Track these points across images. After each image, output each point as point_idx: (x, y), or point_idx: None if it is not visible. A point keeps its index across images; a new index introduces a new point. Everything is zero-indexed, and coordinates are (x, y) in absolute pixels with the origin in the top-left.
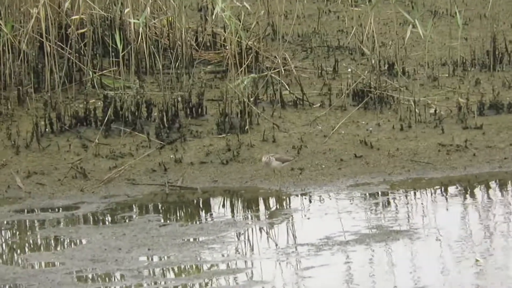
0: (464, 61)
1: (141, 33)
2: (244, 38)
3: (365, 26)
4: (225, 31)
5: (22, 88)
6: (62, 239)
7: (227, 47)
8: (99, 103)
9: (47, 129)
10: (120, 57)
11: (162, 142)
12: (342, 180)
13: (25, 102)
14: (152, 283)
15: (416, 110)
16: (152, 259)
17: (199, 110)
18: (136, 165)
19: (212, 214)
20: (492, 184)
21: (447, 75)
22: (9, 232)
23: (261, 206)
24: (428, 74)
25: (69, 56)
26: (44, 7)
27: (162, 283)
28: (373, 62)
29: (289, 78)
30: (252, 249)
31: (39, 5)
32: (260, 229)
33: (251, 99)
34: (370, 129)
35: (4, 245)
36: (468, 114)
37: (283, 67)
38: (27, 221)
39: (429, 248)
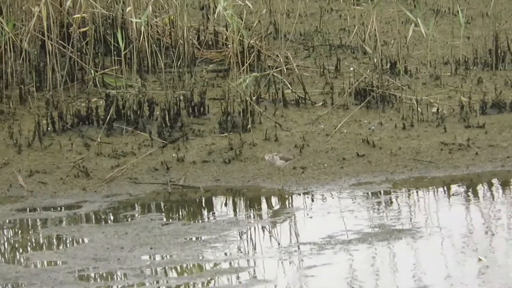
0: (466, 60)
1: (143, 32)
2: (246, 37)
3: (367, 24)
4: (227, 30)
5: (24, 87)
6: (64, 238)
7: (229, 46)
8: (101, 102)
9: (49, 128)
10: (122, 56)
11: (164, 141)
12: (345, 179)
13: (27, 101)
14: (155, 282)
15: (419, 109)
16: (154, 258)
17: (201, 109)
18: (138, 164)
19: (214, 213)
20: (495, 183)
21: (449, 74)
22: (11, 231)
23: (264, 205)
24: (430, 73)
25: (71, 54)
26: (46, 6)
27: (165, 282)
28: (375, 61)
29: (291, 77)
30: (254, 248)
31: (40, 3)
32: (263, 228)
33: (253, 98)
34: (372, 128)
35: (6, 244)
36: (470, 113)
37: (285, 66)
38: (29, 220)
39: (431, 247)
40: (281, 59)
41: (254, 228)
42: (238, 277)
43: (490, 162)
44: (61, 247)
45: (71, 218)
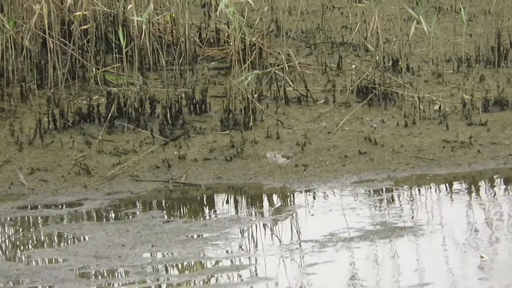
0: (468, 57)
1: (145, 30)
2: (248, 35)
3: (369, 22)
4: (228, 28)
5: (25, 85)
6: (65, 236)
7: (231, 44)
8: (103, 99)
9: (50, 126)
10: (124, 54)
11: (165, 139)
12: (346, 176)
13: (28, 99)
14: (156, 280)
15: (421, 106)
16: (155, 256)
17: (203, 106)
18: (139, 161)
19: (216, 211)
20: (497, 180)
21: (451, 71)
22: (12, 229)
23: (265, 203)
24: (433, 71)
25: (72, 52)
26: (47, 3)
27: (166, 279)
28: (377, 58)
29: (293, 75)
30: (256, 246)
31: (41, 1)
32: (264, 225)
33: (255, 95)
34: (374, 125)
35: (7, 241)
36: (472, 110)
37: (287, 63)
38: (30, 217)
39: (433, 244)
40: (283, 57)
41: (256, 225)
42: (239, 275)
43: (492, 160)
44: (62, 245)
45: (72, 216)
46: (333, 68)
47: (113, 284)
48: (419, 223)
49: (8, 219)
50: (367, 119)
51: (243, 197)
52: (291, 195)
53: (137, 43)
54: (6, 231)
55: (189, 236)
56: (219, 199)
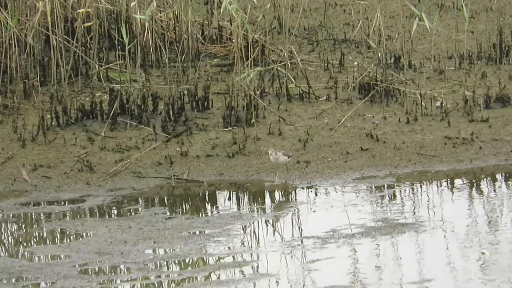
0: (470, 54)
1: (147, 27)
2: (250, 32)
3: (372, 19)
4: (231, 25)
5: (28, 82)
6: (68, 232)
7: (233, 41)
8: (105, 96)
9: (53, 123)
10: (126, 51)
11: (168, 135)
12: (348, 173)
13: (31, 96)
14: (158, 276)
15: (422, 103)
16: (158, 252)
17: (205, 103)
18: (142, 158)
19: (218, 207)
20: (498, 177)
21: (453, 68)
22: (15, 225)
23: (267, 199)
24: (435, 67)
25: (75, 49)
26: (50, 1)
27: (168, 276)
28: (379, 55)
29: (295, 72)
30: (258, 242)
31: None
32: (266, 222)
33: (257, 92)
34: (376, 122)
35: (10, 238)
36: (474, 107)
37: (289, 60)
38: (33, 214)
39: (435, 240)
40: (285, 54)
41: (258, 222)
42: (241, 271)
43: (494, 156)
44: (64, 241)
45: (74, 212)
46: (335, 65)
47: (115, 281)
48: (421, 219)
49: (11, 215)
50: (369, 115)
51: (245, 194)
52: (293, 191)
53: (140, 40)
54: (9, 227)
55: (191, 233)
56: (221, 196)
